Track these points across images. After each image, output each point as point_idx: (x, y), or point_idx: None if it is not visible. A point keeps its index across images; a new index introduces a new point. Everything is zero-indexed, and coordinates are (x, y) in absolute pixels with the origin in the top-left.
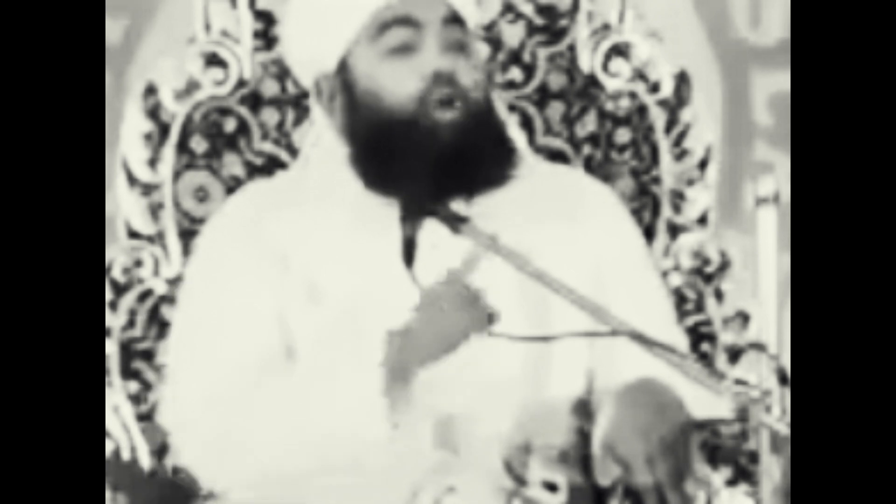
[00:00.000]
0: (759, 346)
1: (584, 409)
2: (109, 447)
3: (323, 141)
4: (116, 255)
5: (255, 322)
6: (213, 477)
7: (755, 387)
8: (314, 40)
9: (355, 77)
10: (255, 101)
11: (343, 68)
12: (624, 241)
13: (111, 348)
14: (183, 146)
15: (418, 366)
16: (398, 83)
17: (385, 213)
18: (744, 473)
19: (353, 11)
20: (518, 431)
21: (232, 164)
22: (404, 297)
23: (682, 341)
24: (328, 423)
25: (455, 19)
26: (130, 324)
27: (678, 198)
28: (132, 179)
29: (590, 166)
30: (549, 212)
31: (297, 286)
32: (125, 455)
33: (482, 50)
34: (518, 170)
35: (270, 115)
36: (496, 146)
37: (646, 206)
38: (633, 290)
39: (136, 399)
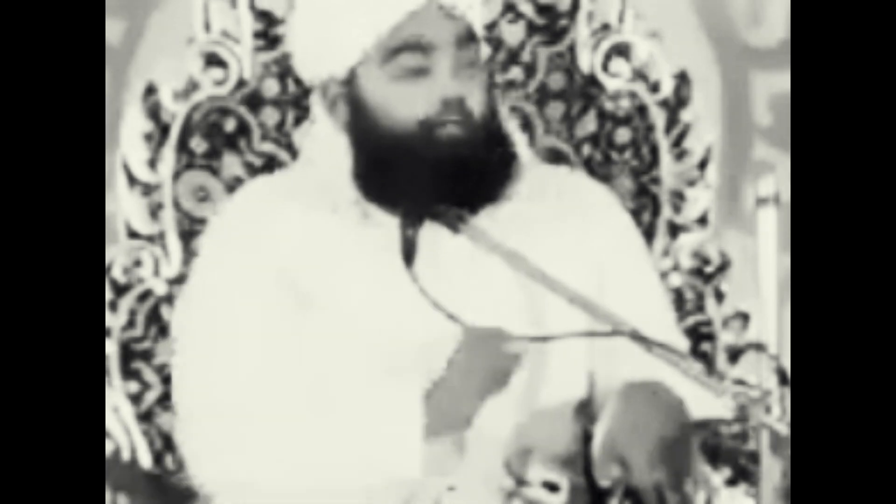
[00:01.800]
0: (759, 346)
1: (586, 411)
2: (109, 447)
3: (324, 142)
4: (116, 255)
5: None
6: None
7: (755, 387)
8: (322, 52)
9: (362, 93)
10: (255, 101)
11: (351, 80)
12: (624, 241)
13: (111, 348)
14: (183, 146)
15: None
16: (407, 106)
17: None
18: (744, 473)
19: (361, 31)
20: (520, 437)
21: (232, 165)
22: (403, 297)
23: (682, 341)
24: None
25: (469, 37)
26: (130, 324)
27: (678, 198)
28: (132, 179)
29: (590, 166)
30: (549, 212)
31: (293, 290)
32: (125, 455)
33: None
34: (517, 186)
35: (270, 115)
36: (499, 162)
37: (646, 206)
38: (633, 290)
39: (136, 399)
